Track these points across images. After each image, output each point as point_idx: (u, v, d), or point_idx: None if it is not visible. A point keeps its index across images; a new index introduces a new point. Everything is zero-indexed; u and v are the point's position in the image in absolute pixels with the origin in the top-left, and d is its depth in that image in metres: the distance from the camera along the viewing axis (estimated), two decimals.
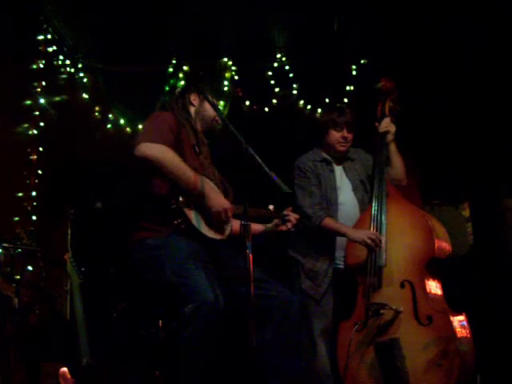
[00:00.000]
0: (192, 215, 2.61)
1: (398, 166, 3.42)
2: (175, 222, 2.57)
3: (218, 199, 2.63)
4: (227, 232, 2.76)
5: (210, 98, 2.76)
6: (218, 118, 2.90)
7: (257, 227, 2.90)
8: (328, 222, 3.32)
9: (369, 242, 3.15)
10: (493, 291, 3.93)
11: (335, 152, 3.52)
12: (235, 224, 2.77)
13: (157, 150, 2.56)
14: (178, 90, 2.98)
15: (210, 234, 2.66)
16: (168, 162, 2.56)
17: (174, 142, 2.66)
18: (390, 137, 3.39)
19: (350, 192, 3.51)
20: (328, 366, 3.30)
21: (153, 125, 2.73)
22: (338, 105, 3.71)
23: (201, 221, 2.64)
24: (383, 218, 3.24)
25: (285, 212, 2.95)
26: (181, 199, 2.57)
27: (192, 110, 2.93)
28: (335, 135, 3.46)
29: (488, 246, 4.39)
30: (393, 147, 3.41)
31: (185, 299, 2.41)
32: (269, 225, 2.97)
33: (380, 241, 3.15)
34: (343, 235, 3.30)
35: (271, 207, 2.97)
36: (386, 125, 3.40)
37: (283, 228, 2.95)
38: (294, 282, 3.47)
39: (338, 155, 3.55)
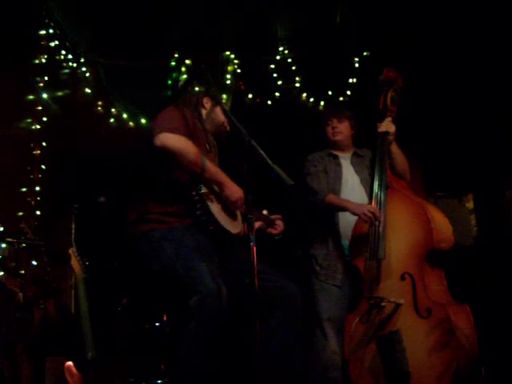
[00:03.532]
0: (214, 208, 2.64)
1: (400, 165, 3.49)
2: (197, 212, 2.59)
3: (234, 187, 2.68)
4: (240, 227, 2.80)
5: (222, 104, 2.80)
6: (226, 124, 2.96)
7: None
8: (331, 197, 3.46)
9: (369, 214, 3.22)
10: (497, 283, 3.92)
11: (336, 144, 3.70)
12: None
13: (177, 141, 2.60)
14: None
15: (229, 227, 2.69)
16: (189, 153, 2.60)
17: (188, 137, 2.69)
18: (390, 138, 3.41)
19: (357, 185, 3.59)
20: (338, 356, 3.31)
21: (171, 117, 2.77)
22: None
23: (222, 214, 2.68)
24: (382, 209, 3.27)
25: (274, 217, 3.14)
26: (203, 191, 2.60)
27: (203, 112, 2.98)
28: (327, 129, 3.70)
29: (491, 238, 4.38)
30: (394, 147, 3.46)
31: (190, 291, 2.42)
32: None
33: (379, 214, 3.22)
34: (345, 209, 3.40)
35: (265, 212, 3.14)
36: (386, 125, 3.42)
37: (272, 231, 3.13)
38: (311, 277, 3.53)
39: (342, 147, 3.71)
